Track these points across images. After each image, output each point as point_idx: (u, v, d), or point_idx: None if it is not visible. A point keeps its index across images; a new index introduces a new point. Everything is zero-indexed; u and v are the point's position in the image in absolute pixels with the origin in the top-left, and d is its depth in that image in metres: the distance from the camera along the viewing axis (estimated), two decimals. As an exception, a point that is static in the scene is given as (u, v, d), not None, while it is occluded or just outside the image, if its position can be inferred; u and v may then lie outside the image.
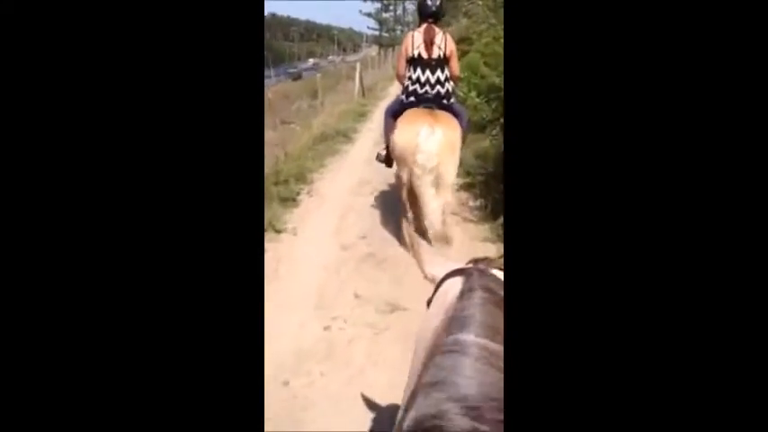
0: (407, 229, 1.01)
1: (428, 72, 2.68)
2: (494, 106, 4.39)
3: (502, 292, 0.57)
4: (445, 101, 2.72)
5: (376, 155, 3.20)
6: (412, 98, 2.71)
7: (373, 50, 26.94)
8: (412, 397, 0.45)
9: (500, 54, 5.59)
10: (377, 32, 27.81)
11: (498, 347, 0.47)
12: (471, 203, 3.63)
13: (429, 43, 2.68)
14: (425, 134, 2.46)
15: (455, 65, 2.81)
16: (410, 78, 2.72)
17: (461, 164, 3.71)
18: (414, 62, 2.71)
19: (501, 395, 0.41)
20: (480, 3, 8.00)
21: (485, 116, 4.42)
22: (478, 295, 0.56)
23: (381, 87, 12.32)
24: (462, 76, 6.22)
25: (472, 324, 0.50)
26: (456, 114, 2.73)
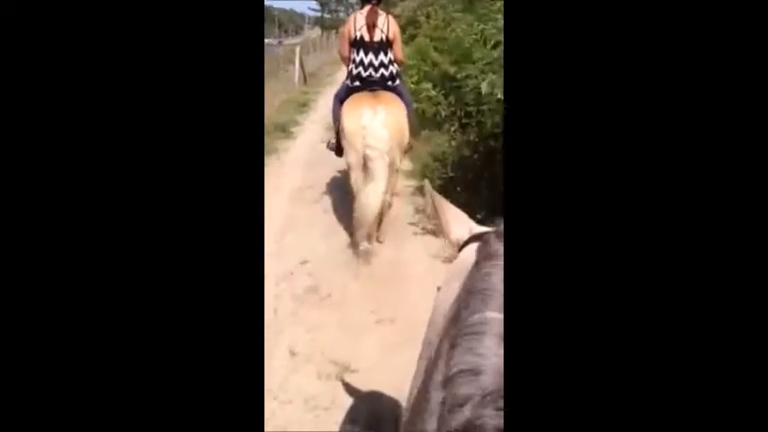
0: (429, 190, 0.86)
1: (371, 55, 2.66)
2: (450, 99, 3.88)
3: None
4: (390, 82, 2.69)
5: (327, 143, 3.16)
6: (357, 82, 2.68)
7: (315, 33, 25.79)
8: (443, 383, 0.43)
9: (449, 39, 5.16)
10: (319, 14, 26.68)
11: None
12: (429, 211, 3.21)
13: (371, 26, 2.65)
14: (368, 116, 2.45)
15: (398, 48, 2.79)
16: (354, 61, 2.69)
17: (416, 165, 3.50)
18: (356, 44, 2.67)
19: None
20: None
21: (442, 111, 3.91)
22: (497, 263, 0.50)
23: (326, 73, 11.51)
24: (411, 62, 5.78)
25: (492, 297, 0.46)
26: (400, 95, 2.70)
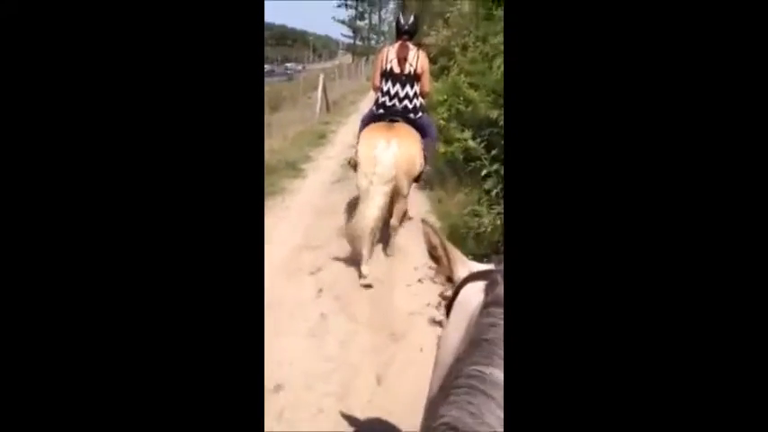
0: (427, 228, 0.74)
1: (398, 86, 2.85)
2: (495, 153, 3.00)
3: None
4: (412, 114, 2.88)
5: (348, 159, 3.24)
6: (381, 110, 2.88)
7: (347, 59, 25.83)
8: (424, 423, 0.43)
9: (489, 75, 4.49)
10: (351, 40, 26.83)
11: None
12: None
13: (402, 59, 2.84)
14: (381, 147, 2.60)
15: (426, 81, 2.97)
16: (382, 90, 2.90)
17: (443, 224, 3.30)
18: (386, 76, 2.88)
19: None
20: (462, 9, 6.91)
21: (478, 162, 3.07)
22: (497, 312, 0.47)
23: (351, 101, 11.05)
24: (441, 98, 5.13)
25: (496, 353, 0.43)
26: (421, 128, 2.86)
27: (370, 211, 2.61)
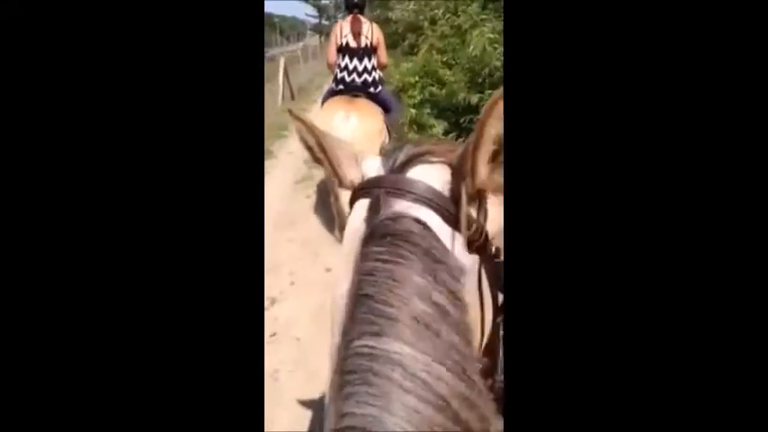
0: (298, 124, 0.61)
1: (356, 60, 2.81)
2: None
3: (422, 237, 0.41)
4: (372, 89, 2.83)
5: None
6: (341, 86, 2.83)
7: (316, 40, 24.74)
8: (330, 401, 0.37)
9: (464, 52, 3.97)
10: (316, 20, 25.67)
11: (432, 363, 0.33)
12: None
13: (356, 33, 2.81)
14: (339, 120, 2.54)
15: (382, 53, 2.97)
16: (339, 66, 2.85)
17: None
18: (342, 51, 2.84)
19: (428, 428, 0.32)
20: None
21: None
22: (381, 251, 0.38)
23: (318, 84, 10.32)
24: (414, 80, 4.57)
25: (383, 314, 0.36)
26: (382, 102, 2.81)
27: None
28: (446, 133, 3.57)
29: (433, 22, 5.11)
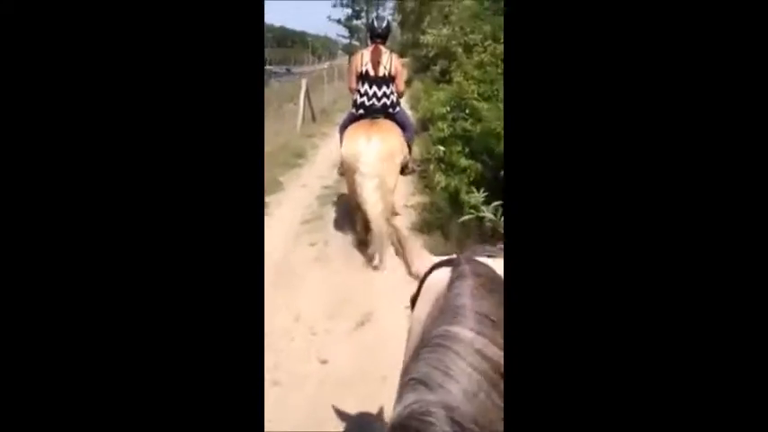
0: (393, 224, 0.85)
1: (375, 87, 2.95)
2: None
3: (494, 276, 0.53)
4: (391, 110, 2.98)
5: (338, 168, 3.25)
6: (361, 110, 2.96)
7: (346, 60, 24.82)
8: (400, 390, 0.44)
9: (499, 81, 3.43)
10: (347, 40, 25.74)
11: (485, 344, 0.42)
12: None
13: (376, 63, 2.93)
14: (363, 143, 2.70)
15: (400, 82, 3.05)
16: (359, 92, 2.99)
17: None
18: (362, 78, 2.97)
19: (482, 413, 0.38)
20: (465, 2, 5.81)
21: (485, 220, 1.98)
22: (468, 283, 0.51)
23: (341, 107, 9.94)
24: (445, 111, 4.08)
25: (462, 314, 0.46)
26: (400, 122, 2.99)
27: (374, 210, 2.63)
28: (482, 178, 3.00)
29: (468, 48, 4.60)
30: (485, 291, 0.49)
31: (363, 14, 23.54)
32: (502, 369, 0.41)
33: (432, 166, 4.34)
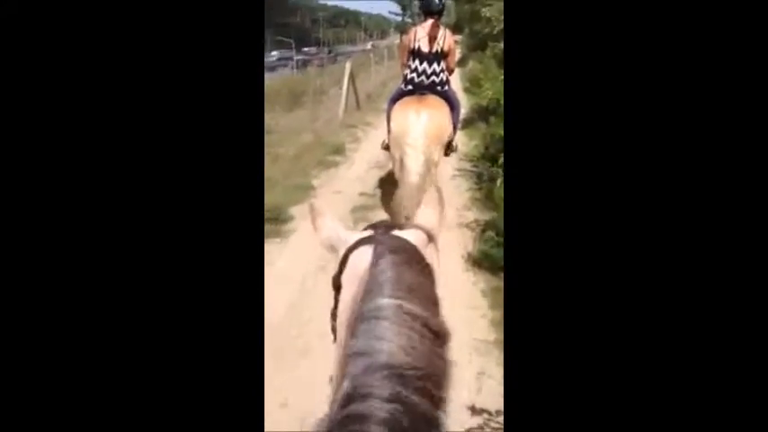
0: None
1: (425, 64, 2.90)
2: None
3: (409, 247, 0.55)
4: (439, 87, 2.93)
5: (381, 143, 3.28)
6: (410, 86, 2.92)
7: (397, 39, 23.74)
8: (340, 369, 0.44)
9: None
10: (399, 18, 24.68)
11: (413, 307, 0.45)
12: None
13: (432, 38, 2.88)
14: (413, 119, 2.68)
15: (452, 59, 3.03)
16: (410, 68, 2.94)
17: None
18: (415, 55, 2.92)
19: (421, 361, 0.40)
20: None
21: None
22: (389, 259, 0.52)
23: (389, 90, 9.15)
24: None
25: (386, 286, 0.48)
26: (448, 99, 2.93)
27: (412, 179, 2.61)
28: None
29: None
30: (405, 263, 0.51)
31: (417, -11, 22.30)
32: (434, 327, 0.43)
33: (493, 170, 3.51)
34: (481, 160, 4.27)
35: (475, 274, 2.49)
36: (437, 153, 2.81)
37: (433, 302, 0.47)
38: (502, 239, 2.64)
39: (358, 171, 4.39)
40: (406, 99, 2.85)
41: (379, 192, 3.83)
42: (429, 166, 2.73)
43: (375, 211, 3.44)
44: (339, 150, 4.92)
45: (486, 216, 3.17)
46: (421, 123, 2.66)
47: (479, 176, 3.90)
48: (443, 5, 3.06)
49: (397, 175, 2.79)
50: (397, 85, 3.11)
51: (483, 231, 2.91)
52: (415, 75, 2.91)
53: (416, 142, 2.64)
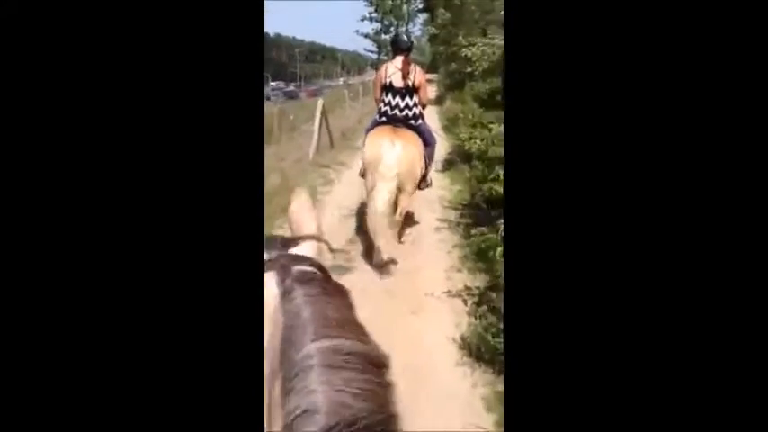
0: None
1: (398, 98, 3.04)
2: None
3: (315, 275, 0.50)
4: (413, 121, 3.07)
5: (359, 170, 3.27)
6: (384, 118, 3.06)
7: (372, 75, 23.86)
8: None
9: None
10: (375, 56, 24.90)
11: (347, 344, 0.41)
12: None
13: (404, 74, 3.02)
14: (387, 147, 2.81)
15: (423, 94, 3.18)
16: (383, 101, 3.08)
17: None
18: (387, 90, 3.06)
19: (374, 401, 0.37)
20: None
21: None
22: (300, 293, 0.47)
23: (364, 127, 8.77)
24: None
25: (307, 331, 0.43)
26: (422, 134, 3.08)
27: (377, 205, 2.73)
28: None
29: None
30: (318, 295, 0.46)
31: (392, 29, 22.65)
32: (372, 358, 0.40)
33: (485, 226, 3.06)
34: (467, 208, 3.84)
35: (472, 370, 1.95)
36: (410, 185, 2.93)
37: (359, 328, 0.42)
38: (501, 321, 2.14)
39: (329, 219, 3.87)
40: (379, 129, 2.96)
41: (352, 247, 3.31)
42: (400, 195, 2.85)
43: (349, 272, 2.92)
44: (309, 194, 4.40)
45: (479, 281, 2.67)
46: (395, 152, 2.74)
47: (467, 228, 3.44)
48: (412, 43, 3.36)
49: (368, 203, 2.88)
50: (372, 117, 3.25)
51: (477, 305, 2.40)
52: (388, 108, 3.03)
53: (389, 171, 2.72)
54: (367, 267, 2.99)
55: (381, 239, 2.78)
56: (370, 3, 23.05)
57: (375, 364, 0.39)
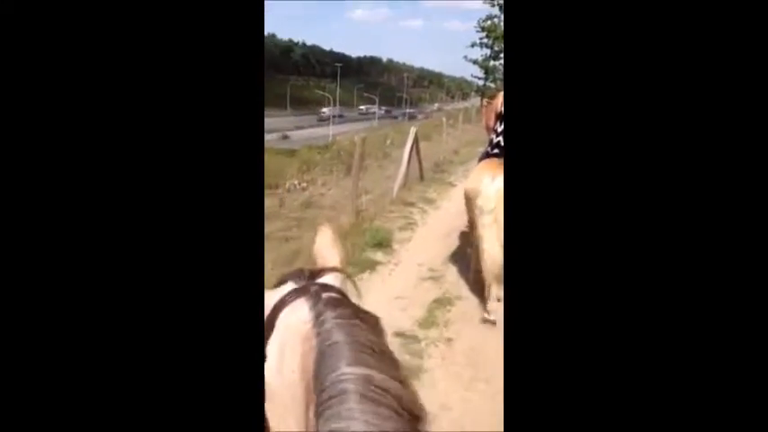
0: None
1: None
2: None
3: (346, 301, 0.53)
4: None
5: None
6: (496, 149, 2.87)
7: (478, 101, 23.00)
8: None
9: None
10: (482, 82, 24.04)
11: (382, 377, 0.43)
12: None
13: None
14: (487, 182, 2.67)
15: None
16: (496, 131, 2.89)
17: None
18: (502, 117, 2.85)
19: None
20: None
21: None
22: (331, 317, 0.49)
23: (462, 158, 7.86)
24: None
25: (343, 356, 0.45)
26: None
27: (490, 248, 2.61)
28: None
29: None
30: (349, 318, 0.48)
31: (501, 55, 21.72)
32: (407, 405, 0.41)
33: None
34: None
35: None
36: None
37: (394, 362, 0.44)
38: None
39: (400, 284, 3.08)
40: (485, 162, 2.82)
41: (426, 316, 2.50)
42: (500, 229, 2.71)
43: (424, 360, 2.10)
44: (383, 243, 3.66)
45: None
46: (493, 188, 2.64)
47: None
48: None
49: (474, 238, 2.78)
50: (474, 157, 3.01)
51: None
52: (501, 138, 2.86)
53: (486, 204, 2.62)
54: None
55: (495, 280, 2.62)
56: (482, 29, 22.51)
57: (409, 412, 0.40)
